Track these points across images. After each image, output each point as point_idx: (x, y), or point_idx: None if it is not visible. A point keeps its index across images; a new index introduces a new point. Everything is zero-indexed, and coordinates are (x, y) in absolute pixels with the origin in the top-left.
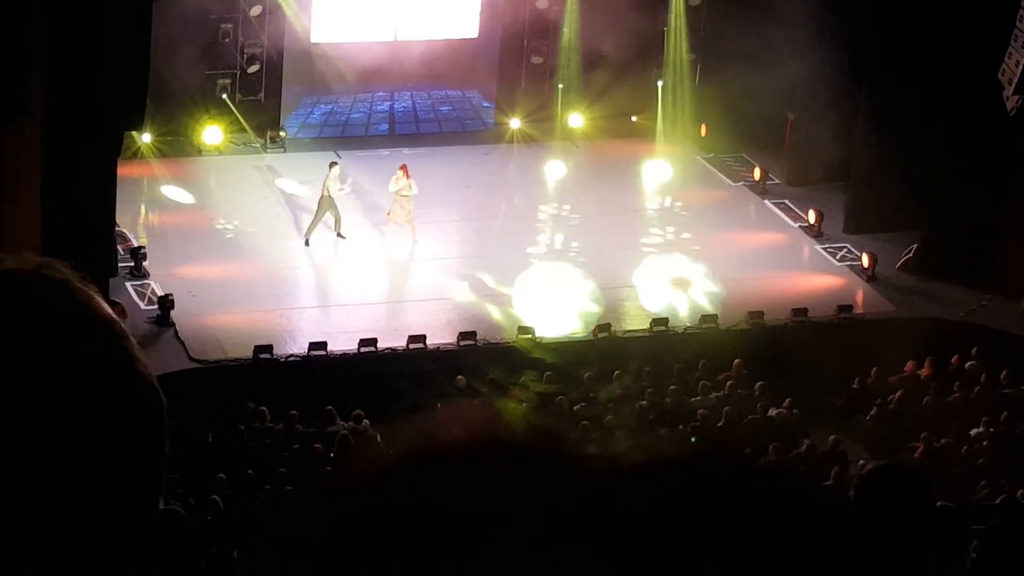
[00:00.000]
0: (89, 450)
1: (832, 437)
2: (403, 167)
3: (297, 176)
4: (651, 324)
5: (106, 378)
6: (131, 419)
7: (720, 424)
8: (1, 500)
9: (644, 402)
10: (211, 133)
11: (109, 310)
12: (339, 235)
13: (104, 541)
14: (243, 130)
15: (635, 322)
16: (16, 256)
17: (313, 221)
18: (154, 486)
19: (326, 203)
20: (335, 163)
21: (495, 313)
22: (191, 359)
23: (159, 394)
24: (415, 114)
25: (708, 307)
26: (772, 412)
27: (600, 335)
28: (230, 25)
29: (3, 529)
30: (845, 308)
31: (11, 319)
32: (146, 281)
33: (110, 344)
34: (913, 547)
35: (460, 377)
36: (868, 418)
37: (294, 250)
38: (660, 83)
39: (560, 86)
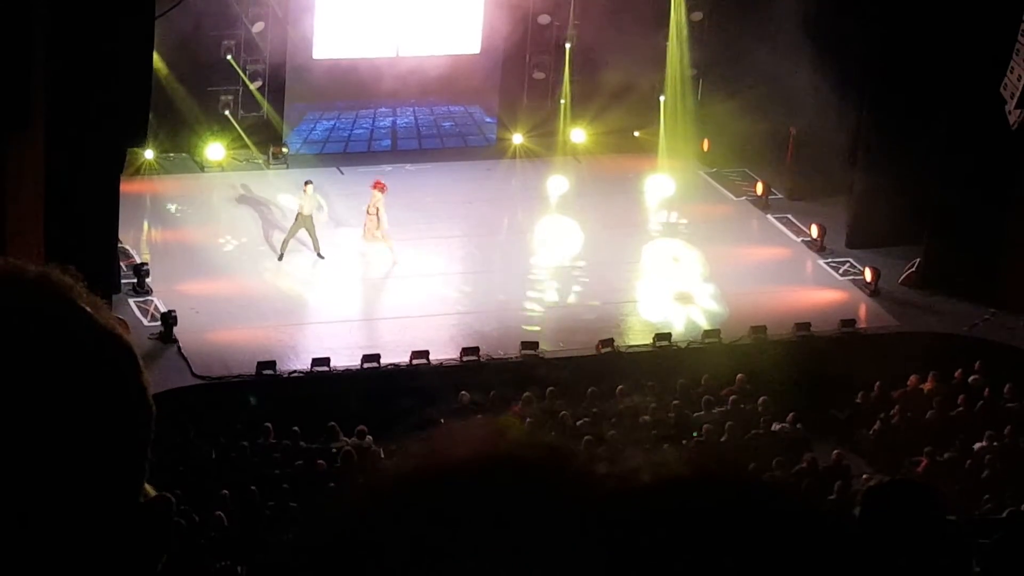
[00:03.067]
0: (83, 456)
1: (835, 452)
2: (375, 184)
3: (300, 192)
4: (654, 339)
5: (106, 384)
6: (124, 424)
7: (723, 439)
8: None
9: (647, 417)
10: (214, 149)
11: (111, 316)
12: (319, 255)
13: (87, 535)
14: (246, 146)
15: (638, 337)
16: (20, 262)
17: (286, 237)
18: (136, 483)
19: (300, 221)
20: (309, 181)
21: (498, 328)
22: (194, 375)
23: (143, 374)
24: (417, 130)
25: (711, 322)
26: (775, 427)
27: (603, 350)
28: (232, 42)
29: None
30: (848, 323)
31: (13, 322)
32: (149, 298)
33: (112, 350)
34: (920, 563)
35: (464, 393)
36: (871, 432)
37: (297, 266)
38: (662, 98)
39: (562, 101)
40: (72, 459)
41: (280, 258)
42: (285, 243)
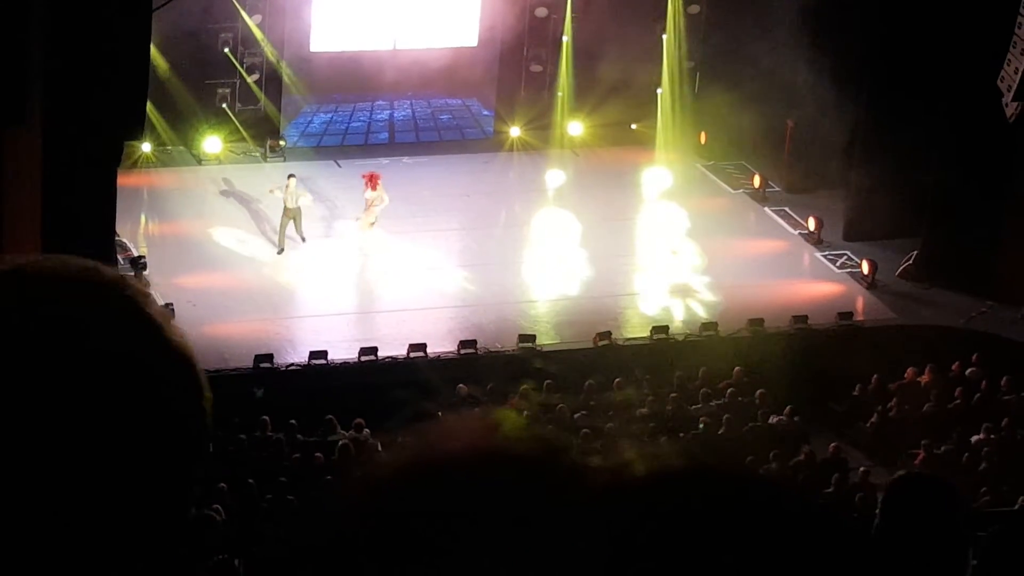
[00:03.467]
0: (126, 444)
1: (833, 444)
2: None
3: (283, 187)
4: (651, 332)
5: (161, 376)
6: (180, 415)
7: (721, 432)
8: (24, 487)
9: (644, 410)
10: (211, 142)
11: (161, 308)
12: (302, 239)
13: (136, 541)
14: (243, 139)
15: (636, 330)
16: (69, 257)
17: (280, 231)
18: (186, 485)
19: (287, 214)
20: (292, 175)
21: (495, 321)
22: None
23: (204, 392)
24: (415, 122)
25: (708, 315)
26: (773, 419)
27: (601, 343)
28: (230, 35)
29: (35, 523)
30: (845, 315)
31: (64, 314)
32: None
33: (164, 341)
34: (938, 561)
35: (461, 386)
36: (869, 425)
37: (294, 259)
38: (659, 91)
39: (559, 94)
40: (125, 474)
41: (280, 251)
42: (281, 237)
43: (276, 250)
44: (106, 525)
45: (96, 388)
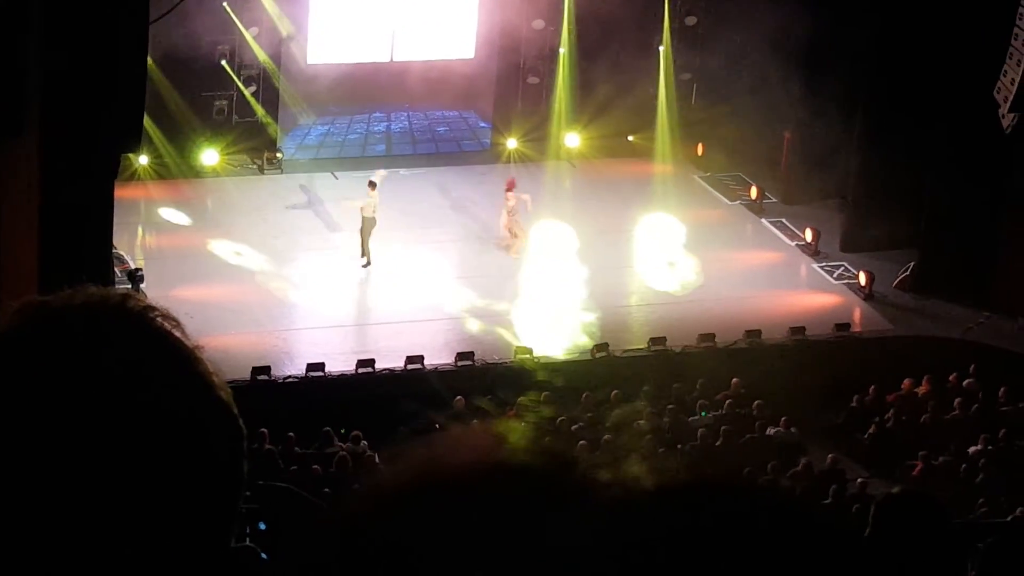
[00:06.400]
0: (165, 478)
1: (830, 455)
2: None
3: (294, 197)
4: (649, 343)
5: (182, 405)
6: (208, 446)
7: (718, 443)
8: (78, 525)
9: (643, 422)
10: (208, 155)
11: (187, 340)
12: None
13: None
14: (240, 152)
15: (633, 341)
16: (99, 289)
17: (364, 244)
18: (229, 517)
19: (367, 223)
20: (373, 182)
21: (493, 333)
22: None
23: (238, 421)
24: (412, 134)
25: (706, 326)
26: (770, 431)
27: (598, 355)
28: (227, 47)
29: (78, 554)
30: (842, 326)
31: (91, 346)
32: None
33: (186, 372)
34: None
35: (459, 398)
36: (866, 436)
37: (292, 271)
38: (656, 103)
39: (556, 106)
40: (148, 488)
41: (367, 264)
42: (365, 248)
43: (362, 263)
44: (155, 564)
45: (138, 435)
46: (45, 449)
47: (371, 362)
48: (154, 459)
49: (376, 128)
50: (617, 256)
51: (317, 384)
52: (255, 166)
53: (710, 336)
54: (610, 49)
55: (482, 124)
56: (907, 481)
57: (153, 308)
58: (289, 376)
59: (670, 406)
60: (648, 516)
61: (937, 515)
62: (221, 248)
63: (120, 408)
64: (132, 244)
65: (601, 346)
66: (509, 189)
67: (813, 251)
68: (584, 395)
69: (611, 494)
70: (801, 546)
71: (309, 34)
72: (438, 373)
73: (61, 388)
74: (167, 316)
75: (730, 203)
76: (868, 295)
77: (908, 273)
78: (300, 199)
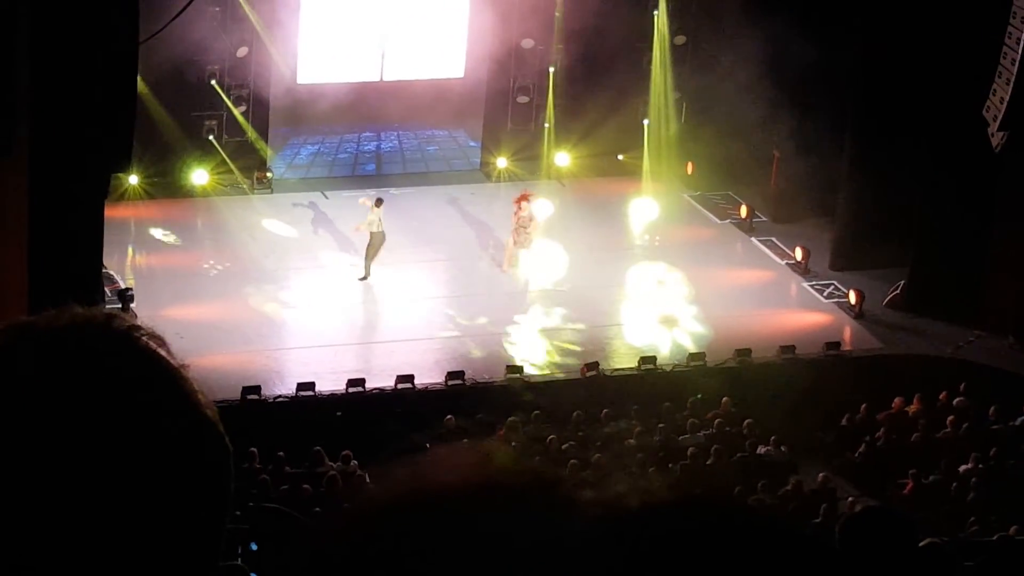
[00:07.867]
0: (150, 497)
1: (821, 474)
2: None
3: (284, 217)
4: (639, 363)
5: (168, 425)
6: (194, 465)
7: (709, 462)
8: (63, 544)
9: (633, 441)
10: (198, 175)
11: (173, 359)
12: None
13: None
14: (230, 171)
15: (623, 361)
16: (84, 309)
17: (367, 260)
18: (216, 535)
19: (376, 239)
20: (381, 200)
21: (483, 353)
22: None
23: (224, 440)
24: (402, 154)
25: (696, 345)
26: (761, 450)
27: (588, 374)
28: (216, 67)
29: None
30: (833, 345)
31: (77, 366)
32: None
33: (172, 392)
34: None
35: (449, 417)
36: (857, 455)
37: (281, 291)
38: (646, 121)
39: (546, 125)
40: (134, 508)
41: (364, 277)
42: (368, 262)
43: (360, 276)
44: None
45: (123, 454)
46: (30, 468)
47: (361, 382)
48: (139, 478)
49: (366, 147)
50: (607, 275)
51: (307, 404)
52: (245, 186)
53: (700, 355)
54: (600, 68)
55: (472, 143)
56: (897, 500)
57: (138, 327)
58: (279, 396)
59: (660, 425)
60: (631, 534)
61: (903, 530)
62: (211, 268)
63: (105, 427)
64: (122, 264)
65: (591, 365)
66: (522, 200)
67: (803, 270)
68: (574, 414)
69: (595, 513)
70: (776, 564)
71: (299, 53)
72: (428, 393)
73: (46, 408)
74: (153, 335)
75: (720, 222)
76: (858, 313)
77: (898, 291)
78: (290, 218)
